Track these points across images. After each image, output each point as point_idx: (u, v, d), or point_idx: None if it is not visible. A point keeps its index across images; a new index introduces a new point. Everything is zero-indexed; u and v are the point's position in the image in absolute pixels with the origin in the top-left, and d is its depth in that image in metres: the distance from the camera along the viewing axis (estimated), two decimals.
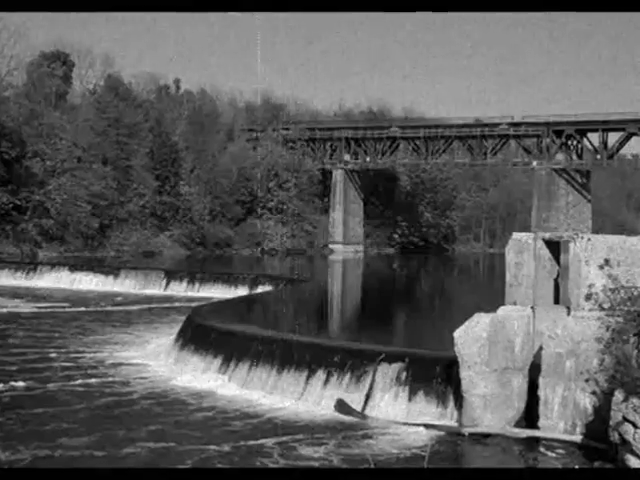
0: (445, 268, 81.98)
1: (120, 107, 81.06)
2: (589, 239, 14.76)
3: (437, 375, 16.10)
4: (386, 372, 16.60)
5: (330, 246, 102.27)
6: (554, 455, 13.73)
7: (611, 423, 12.28)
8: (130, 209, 78.18)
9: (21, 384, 18.83)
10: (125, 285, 44.50)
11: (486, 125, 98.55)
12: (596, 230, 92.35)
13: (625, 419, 11.93)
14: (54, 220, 69.36)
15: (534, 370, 15.01)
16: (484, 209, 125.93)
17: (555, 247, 15.84)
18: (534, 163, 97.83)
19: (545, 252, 15.67)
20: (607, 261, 14.58)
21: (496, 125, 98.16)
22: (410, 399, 16.09)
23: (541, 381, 14.53)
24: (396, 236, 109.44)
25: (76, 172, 72.13)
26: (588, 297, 14.53)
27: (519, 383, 15.14)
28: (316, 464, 13.12)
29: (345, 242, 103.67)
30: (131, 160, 79.25)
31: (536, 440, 14.42)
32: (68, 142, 72.66)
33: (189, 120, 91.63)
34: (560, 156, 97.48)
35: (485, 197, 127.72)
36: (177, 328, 24.25)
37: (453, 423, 15.33)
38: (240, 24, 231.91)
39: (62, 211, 69.58)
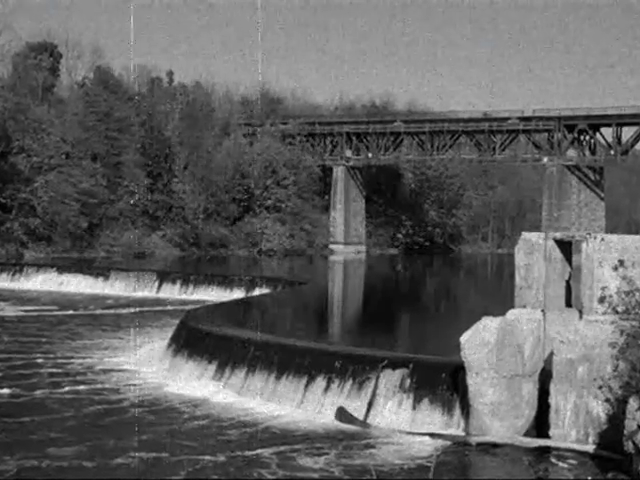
0: (451, 269, 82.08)
1: (110, 101, 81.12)
2: (602, 239, 14.78)
3: (443, 382, 16.10)
4: (389, 379, 16.60)
5: (331, 246, 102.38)
6: (566, 465, 13.72)
7: (625, 432, 12.28)
8: (121, 207, 78.18)
9: (6, 391, 18.87)
10: (115, 287, 44.70)
11: (494, 119, 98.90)
12: (610, 229, 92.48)
13: None
14: (41, 219, 69.51)
15: (545, 376, 15.02)
16: (492, 207, 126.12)
17: (567, 247, 15.85)
18: (545, 159, 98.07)
19: (556, 253, 15.68)
20: (622, 262, 14.59)
21: (505, 119, 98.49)
22: (414, 407, 16.09)
23: (552, 388, 14.53)
24: (400, 236, 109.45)
25: (64, 169, 72.19)
26: (601, 300, 14.55)
27: (529, 390, 15.14)
28: (316, 475, 13.13)
29: (346, 242, 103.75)
30: (122, 156, 79.27)
31: (547, 450, 14.40)
32: (55, 137, 72.83)
33: (182, 114, 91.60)
34: (572, 152, 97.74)
35: (493, 195, 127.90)
36: (170, 333, 24.29)
37: (460, 432, 15.33)
38: (236, 13, 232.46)
39: (49, 210, 69.74)
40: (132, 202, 78.92)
